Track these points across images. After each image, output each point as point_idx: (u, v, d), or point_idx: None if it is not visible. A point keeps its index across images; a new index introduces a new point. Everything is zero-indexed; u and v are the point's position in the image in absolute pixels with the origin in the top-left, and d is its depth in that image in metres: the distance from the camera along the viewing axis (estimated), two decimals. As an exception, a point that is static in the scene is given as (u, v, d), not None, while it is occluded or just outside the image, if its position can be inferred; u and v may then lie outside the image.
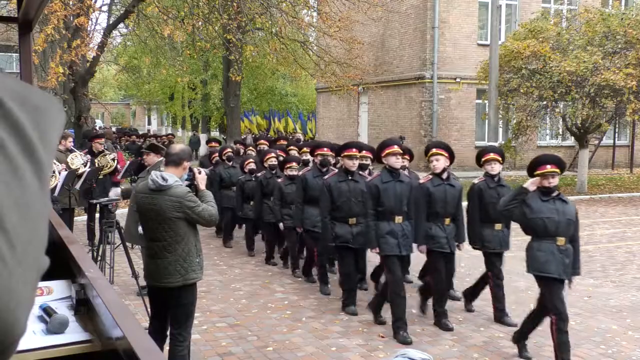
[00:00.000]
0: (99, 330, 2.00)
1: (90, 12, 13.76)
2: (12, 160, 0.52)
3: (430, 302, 6.27)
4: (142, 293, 5.79)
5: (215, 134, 32.80)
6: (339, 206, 6.43)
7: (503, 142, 17.03)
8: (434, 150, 6.05)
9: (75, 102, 15.26)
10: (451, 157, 6.06)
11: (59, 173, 7.46)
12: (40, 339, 2.05)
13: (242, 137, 22.42)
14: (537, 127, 17.25)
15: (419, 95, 20.45)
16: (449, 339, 5.70)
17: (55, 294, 2.45)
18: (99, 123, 29.63)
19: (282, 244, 8.97)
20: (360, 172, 6.68)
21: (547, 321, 5.18)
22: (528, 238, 5.17)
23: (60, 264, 2.47)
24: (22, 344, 1.93)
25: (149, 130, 42.69)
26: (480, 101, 20.40)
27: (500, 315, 6.16)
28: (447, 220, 5.98)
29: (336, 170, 6.79)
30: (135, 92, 35.57)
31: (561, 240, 4.94)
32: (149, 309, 4.96)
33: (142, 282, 5.07)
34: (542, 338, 5.75)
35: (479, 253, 6.46)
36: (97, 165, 8.72)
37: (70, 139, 8.97)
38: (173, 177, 4.26)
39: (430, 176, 6.03)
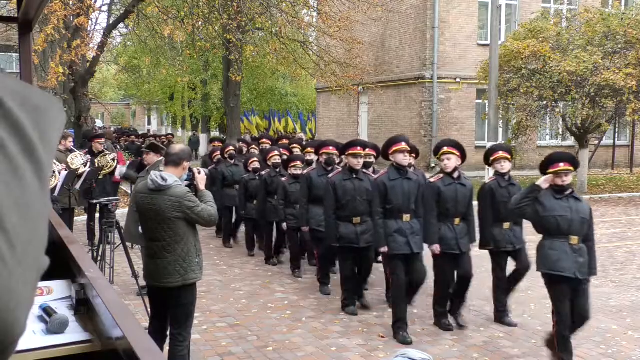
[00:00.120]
0: (99, 330, 2.00)
1: (90, 12, 13.76)
2: (12, 160, 0.52)
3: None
4: (142, 293, 5.79)
5: (215, 134, 32.78)
6: (343, 205, 6.35)
7: (503, 142, 17.02)
8: (445, 149, 5.91)
9: (75, 102, 15.26)
10: (463, 156, 5.95)
11: (59, 173, 7.46)
12: (40, 339, 2.04)
13: (242, 137, 22.40)
14: (537, 127, 17.25)
15: (419, 95, 20.44)
16: (449, 339, 5.70)
17: (55, 294, 2.45)
18: (99, 123, 29.63)
19: (280, 243, 8.95)
20: (364, 171, 6.59)
21: (550, 322, 5.18)
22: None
23: (60, 264, 2.47)
24: (22, 344, 1.93)
25: (149, 130, 42.69)
26: (480, 101, 20.40)
27: (500, 316, 6.16)
28: (457, 220, 5.87)
29: (340, 169, 6.72)
30: (135, 92, 35.56)
31: (574, 239, 4.86)
32: (149, 309, 4.96)
33: (142, 282, 5.07)
34: (542, 338, 5.75)
35: (482, 253, 6.43)
36: (97, 165, 8.72)
37: (70, 139, 8.96)
38: (173, 177, 4.26)
39: (441, 175, 5.92)
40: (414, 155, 7.22)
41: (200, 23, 15.57)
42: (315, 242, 7.41)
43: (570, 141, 19.36)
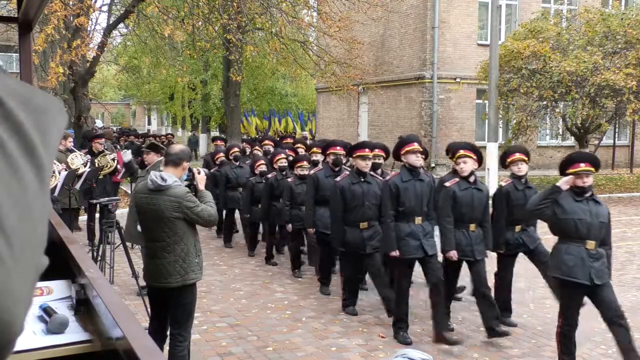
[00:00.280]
0: (99, 330, 2.00)
1: (90, 12, 13.76)
2: (12, 160, 0.52)
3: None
4: (142, 293, 5.79)
5: (215, 134, 32.77)
6: (351, 210, 6.12)
7: (503, 142, 17.03)
8: (461, 152, 5.70)
9: (75, 102, 15.26)
10: (479, 159, 5.75)
11: (59, 173, 7.46)
12: (40, 339, 2.05)
13: (244, 137, 22.43)
14: (537, 127, 17.26)
15: (419, 95, 20.44)
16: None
17: (55, 294, 2.45)
18: (99, 123, 29.63)
19: (282, 243, 8.94)
20: (372, 173, 6.37)
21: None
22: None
23: (60, 264, 2.47)
24: (22, 344, 1.93)
25: (149, 130, 42.72)
26: (480, 101, 20.40)
27: (501, 315, 6.13)
28: (473, 226, 5.67)
29: (348, 172, 6.45)
30: (135, 92, 35.57)
31: (591, 244, 4.69)
32: (149, 309, 4.96)
33: (142, 282, 5.07)
34: (542, 338, 5.75)
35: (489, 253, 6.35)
36: (97, 165, 8.72)
37: (70, 139, 8.97)
38: (172, 177, 4.26)
39: (457, 179, 5.72)
40: (423, 156, 7.14)
41: (200, 23, 15.58)
42: (320, 245, 7.25)
43: (570, 141, 19.37)
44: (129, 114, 56.88)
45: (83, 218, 10.56)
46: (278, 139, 17.16)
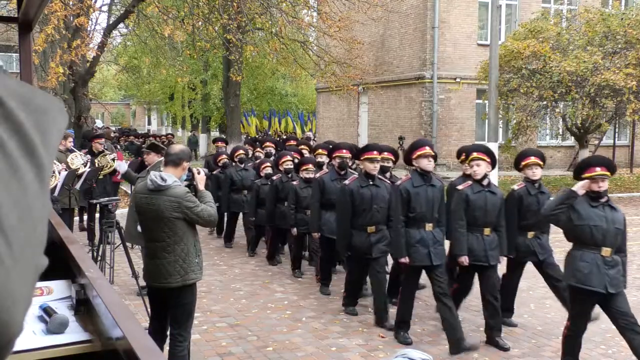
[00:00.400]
0: (99, 330, 2.00)
1: (90, 12, 13.76)
2: (12, 160, 0.53)
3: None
4: (142, 293, 5.79)
5: (215, 134, 32.78)
6: (359, 213, 5.96)
7: (503, 142, 17.03)
8: (474, 154, 5.56)
9: (75, 102, 15.27)
10: (493, 162, 5.61)
11: (59, 173, 7.46)
12: (40, 339, 2.05)
13: (247, 138, 22.43)
14: (537, 127, 17.26)
15: (419, 95, 20.45)
16: (449, 339, 5.69)
17: (55, 294, 2.45)
18: (99, 123, 29.61)
19: (285, 246, 8.88)
20: (380, 176, 6.22)
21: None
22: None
23: (60, 264, 2.47)
24: (22, 344, 1.93)
25: (149, 130, 42.75)
26: (480, 101, 20.40)
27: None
28: (487, 230, 5.52)
29: (356, 175, 6.32)
30: (135, 92, 35.59)
31: (606, 251, 4.58)
32: (149, 309, 4.96)
33: (142, 282, 5.07)
34: (542, 338, 5.75)
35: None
36: (97, 165, 8.72)
37: (70, 139, 8.97)
38: (172, 178, 4.26)
39: (470, 182, 5.59)
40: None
41: (200, 23, 15.58)
42: (323, 249, 7.18)
43: (570, 141, 19.39)
44: (129, 114, 56.89)
45: (79, 219, 10.56)
46: (279, 139, 17.13)
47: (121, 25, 18.06)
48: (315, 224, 7.02)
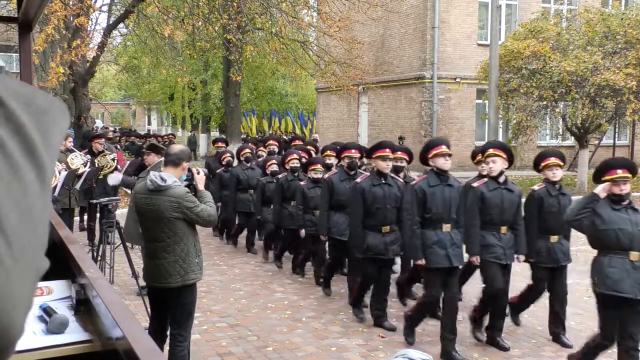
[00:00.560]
0: (99, 330, 2.00)
1: (90, 12, 13.77)
2: (13, 161, 0.52)
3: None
4: (142, 293, 5.79)
5: (215, 134, 32.79)
6: (372, 213, 5.78)
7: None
8: (490, 150, 5.43)
9: (75, 102, 15.27)
10: (510, 159, 5.45)
11: (59, 173, 7.46)
12: (40, 339, 2.05)
13: (249, 137, 22.44)
14: (537, 127, 17.24)
15: (419, 95, 20.45)
16: (449, 339, 5.69)
17: (55, 294, 2.45)
18: (99, 123, 29.60)
19: (296, 249, 8.77)
20: (392, 175, 6.05)
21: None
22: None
23: (60, 264, 2.48)
24: (22, 344, 1.93)
25: (149, 131, 42.71)
26: (480, 101, 20.40)
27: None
28: (504, 229, 5.37)
29: (368, 174, 6.12)
30: (135, 92, 35.56)
31: (635, 255, 4.41)
32: (149, 309, 4.96)
33: (142, 282, 5.07)
34: (542, 338, 5.75)
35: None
36: (97, 165, 8.72)
37: (70, 139, 8.97)
38: (172, 178, 4.26)
39: (486, 179, 5.47)
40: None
41: (200, 23, 15.58)
42: (332, 251, 7.08)
43: (570, 141, 19.37)
44: (129, 114, 56.86)
45: (79, 219, 10.56)
46: (289, 139, 17.04)
47: (121, 25, 18.07)
48: (323, 225, 6.85)
